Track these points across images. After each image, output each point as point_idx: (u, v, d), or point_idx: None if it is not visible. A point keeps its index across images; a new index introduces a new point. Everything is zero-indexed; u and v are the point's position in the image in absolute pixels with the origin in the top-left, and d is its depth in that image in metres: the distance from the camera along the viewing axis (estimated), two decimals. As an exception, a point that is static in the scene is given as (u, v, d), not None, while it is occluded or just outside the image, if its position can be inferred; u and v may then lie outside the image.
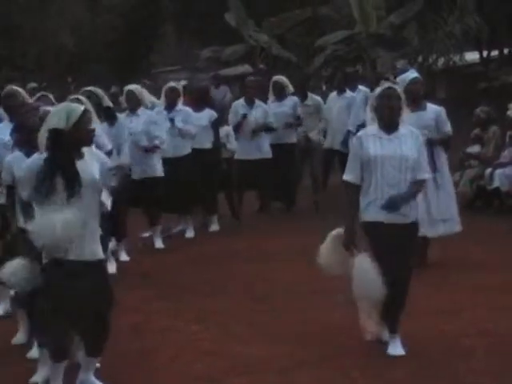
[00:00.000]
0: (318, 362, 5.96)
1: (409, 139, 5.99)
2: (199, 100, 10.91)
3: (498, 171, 11.27)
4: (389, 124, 5.99)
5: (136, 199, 9.53)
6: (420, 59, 18.75)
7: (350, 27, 19.73)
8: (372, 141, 5.98)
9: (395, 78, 9.10)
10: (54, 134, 5.05)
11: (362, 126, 12.94)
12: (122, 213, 8.75)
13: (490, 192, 11.48)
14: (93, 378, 5.40)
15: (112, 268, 8.34)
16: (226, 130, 11.26)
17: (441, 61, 18.58)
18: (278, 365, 5.92)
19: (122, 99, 10.70)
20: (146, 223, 10.41)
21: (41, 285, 5.10)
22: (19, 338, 6.49)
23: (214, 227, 10.99)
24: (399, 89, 6.13)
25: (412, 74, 8.60)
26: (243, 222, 11.41)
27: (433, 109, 8.45)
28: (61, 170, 5.01)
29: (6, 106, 7.16)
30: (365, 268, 5.81)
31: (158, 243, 10.08)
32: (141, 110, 9.88)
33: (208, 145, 10.78)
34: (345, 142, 12.17)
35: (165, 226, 10.60)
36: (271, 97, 12.09)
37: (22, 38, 21.53)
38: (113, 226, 7.52)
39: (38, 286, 5.13)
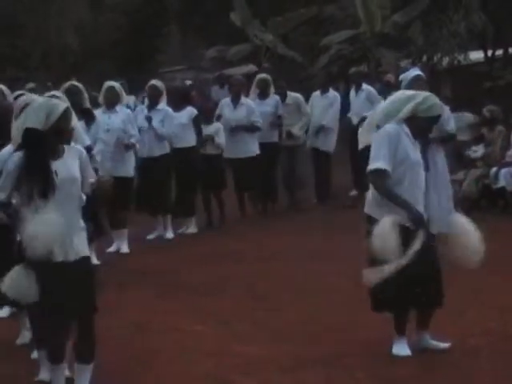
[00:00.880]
0: (322, 361, 5.95)
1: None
2: (179, 99, 10.84)
3: (504, 170, 11.26)
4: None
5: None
6: (424, 58, 18.73)
7: (354, 27, 19.72)
8: (407, 140, 5.86)
9: (398, 77, 9.08)
10: (31, 133, 4.88)
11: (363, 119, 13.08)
12: (99, 211, 8.69)
13: (495, 191, 11.47)
14: None
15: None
16: (216, 125, 11.24)
17: (445, 60, 18.55)
18: (282, 364, 5.91)
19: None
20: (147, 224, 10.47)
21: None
22: (23, 337, 6.48)
23: (192, 229, 10.88)
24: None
25: (414, 71, 8.58)
26: (245, 221, 11.43)
27: None
28: (35, 172, 4.87)
29: None
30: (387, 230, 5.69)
31: (124, 248, 9.94)
32: (119, 107, 9.86)
33: (191, 143, 10.74)
34: (316, 136, 12.48)
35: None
36: (253, 95, 12.06)
37: (26, 37, 21.55)
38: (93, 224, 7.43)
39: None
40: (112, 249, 9.94)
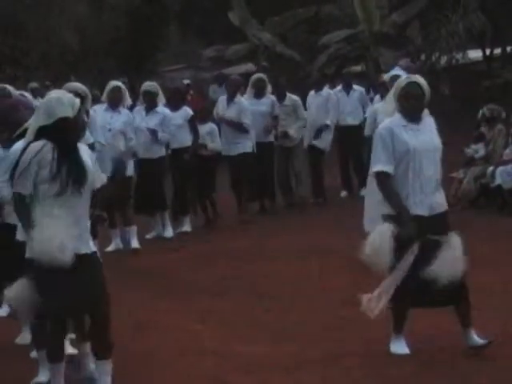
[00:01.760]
0: (322, 360, 5.97)
1: (433, 129, 5.95)
2: (173, 100, 10.80)
3: (500, 169, 11.27)
4: (414, 113, 5.91)
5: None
6: (423, 57, 18.75)
7: (353, 26, 19.75)
8: (404, 131, 5.85)
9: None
10: (64, 123, 4.95)
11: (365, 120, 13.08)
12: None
13: (492, 190, 11.49)
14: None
15: None
16: (209, 126, 11.19)
17: (444, 59, 18.57)
18: (282, 364, 5.94)
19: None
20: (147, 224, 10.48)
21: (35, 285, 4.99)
22: (23, 337, 6.48)
23: (186, 228, 10.85)
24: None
25: (394, 71, 8.64)
26: (248, 220, 11.43)
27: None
28: (67, 161, 4.93)
29: None
30: (383, 237, 5.74)
31: (134, 243, 9.95)
32: (122, 108, 9.86)
33: (186, 143, 10.71)
34: (318, 135, 12.47)
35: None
36: (249, 94, 12.01)
37: (26, 36, 21.53)
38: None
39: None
40: (110, 248, 9.95)
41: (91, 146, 7.63)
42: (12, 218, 5.58)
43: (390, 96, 6.08)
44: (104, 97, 9.97)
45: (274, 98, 12.00)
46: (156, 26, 25.30)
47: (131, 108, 10.70)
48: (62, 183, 4.90)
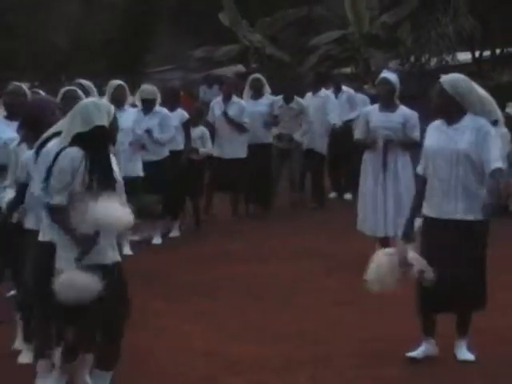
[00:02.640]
0: (314, 361, 5.98)
1: (468, 131, 5.72)
2: (169, 100, 10.70)
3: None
4: (441, 117, 5.86)
5: None
6: (413, 59, 18.78)
7: (343, 27, 19.75)
8: (432, 132, 5.88)
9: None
10: (100, 131, 4.87)
11: (350, 121, 13.12)
12: None
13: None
14: None
15: None
16: (201, 130, 11.10)
17: (433, 61, 18.60)
18: (274, 364, 5.94)
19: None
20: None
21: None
22: (20, 343, 6.31)
23: (174, 232, 10.74)
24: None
25: (382, 73, 8.65)
26: (237, 222, 11.42)
27: (403, 112, 8.46)
28: (99, 170, 4.85)
29: (8, 103, 6.93)
30: (382, 262, 5.75)
31: (157, 239, 10.06)
32: (127, 106, 9.80)
33: (180, 146, 10.60)
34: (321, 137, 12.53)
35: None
36: (247, 95, 11.97)
37: (15, 36, 21.45)
38: None
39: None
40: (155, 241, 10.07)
41: None
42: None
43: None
44: (107, 96, 9.74)
45: (272, 97, 11.96)
46: (146, 26, 25.27)
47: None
48: (93, 192, 4.79)
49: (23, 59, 21.40)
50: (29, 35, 21.62)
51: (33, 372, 5.50)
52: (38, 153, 5.37)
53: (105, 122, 4.88)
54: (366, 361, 5.97)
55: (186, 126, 10.71)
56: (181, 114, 10.69)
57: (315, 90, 12.84)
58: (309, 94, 12.94)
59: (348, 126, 13.04)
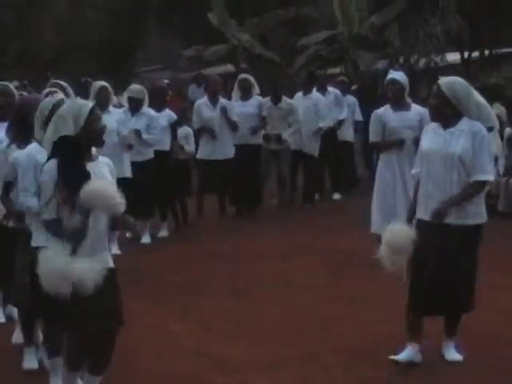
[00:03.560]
0: (302, 360, 5.99)
1: (464, 136, 5.68)
2: (157, 99, 10.63)
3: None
4: (436, 119, 5.86)
5: None
6: (401, 60, 18.80)
7: (332, 28, 19.76)
8: (429, 135, 5.87)
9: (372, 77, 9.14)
10: (65, 141, 4.76)
11: (339, 123, 13.08)
12: None
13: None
14: None
15: None
16: (185, 130, 11.06)
17: (422, 61, 18.63)
18: (262, 363, 5.95)
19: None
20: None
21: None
22: (17, 336, 6.34)
23: (164, 233, 10.73)
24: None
25: (390, 74, 8.64)
26: (226, 222, 11.42)
27: (417, 109, 8.46)
28: (74, 178, 4.72)
29: None
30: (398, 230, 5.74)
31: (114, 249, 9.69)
32: (111, 108, 9.66)
33: (166, 147, 10.53)
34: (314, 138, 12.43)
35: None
36: (235, 96, 11.88)
37: (4, 34, 21.40)
38: None
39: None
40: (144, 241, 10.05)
41: None
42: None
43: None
44: (91, 98, 9.64)
45: (261, 98, 11.87)
46: (135, 26, 25.26)
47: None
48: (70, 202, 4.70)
49: (11, 57, 21.33)
50: (18, 34, 21.57)
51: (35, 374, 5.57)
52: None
53: (68, 131, 4.76)
54: (354, 359, 5.98)
55: (174, 127, 10.68)
56: (169, 114, 10.64)
57: (306, 90, 12.73)
58: (299, 94, 12.86)
59: (333, 127, 13.04)
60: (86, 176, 4.74)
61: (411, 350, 5.84)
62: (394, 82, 8.35)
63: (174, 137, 10.70)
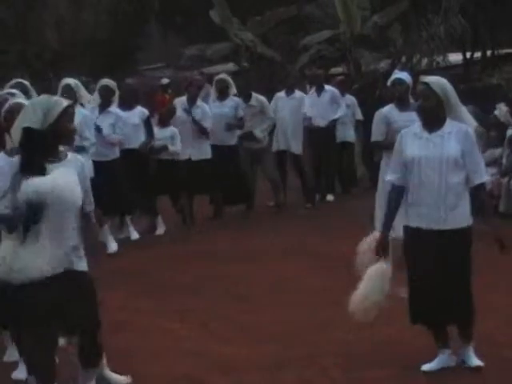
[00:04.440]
0: (300, 361, 5.98)
1: (453, 137, 5.54)
2: (128, 99, 10.57)
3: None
4: (427, 122, 5.67)
5: None
6: (403, 60, 18.79)
7: (334, 27, 19.73)
8: (410, 140, 5.69)
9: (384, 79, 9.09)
10: (27, 133, 4.53)
11: (333, 122, 13.03)
12: None
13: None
14: None
15: None
16: (171, 130, 10.95)
17: (424, 61, 18.62)
18: (260, 364, 5.93)
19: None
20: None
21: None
22: (10, 355, 6.16)
23: (161, 230, 10.68)
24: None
25: (395, 74, 8.61)
26: (226, 221, 11.40)
27: None
28: (25, 173, 4.51)
29: None
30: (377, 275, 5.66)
31: (113, 246, 9.81)
32: (76, 107, 9.48)
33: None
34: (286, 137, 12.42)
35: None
36: (213, 95, 11.77)
37: (5, 34, 21.41)
38: None
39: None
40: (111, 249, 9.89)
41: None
42: None
43: None
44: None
45: (238, 99, 11.67)
46: (137, 24, 25.25)
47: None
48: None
49: (12, 57, 21.34)
50: (19, 33, 21.57)
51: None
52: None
53: (34, 124, 4.53)
54: (352, 361, 5.97)
55: (148, 123, 10.57)
56: (140, 111, 10.56)
57: (289, 91, 12.68)
58: (281, 95, 12.75)
59: (330, 126, 12.98)
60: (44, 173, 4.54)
61: (442, 356, 5.78)
62: (401, 81, 8.34)
63: (150, 133, 10.58)
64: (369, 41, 19.19)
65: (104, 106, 10.18)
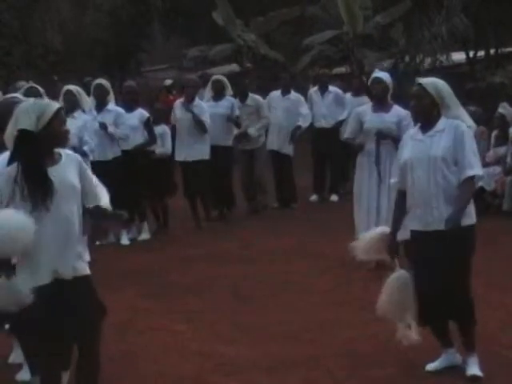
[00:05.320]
0: (304, 362, 5.98)
1: (444, 135, 5.52)
2: (129, 100, 10.56)
3: (483, 171, 11.27)
4: (419, 122, 5.66)
5: None
6: (407, 59, 18.79)
7: (337, 27, 19.74)
8: (407, 143, 5.69)
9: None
10: (23, 135, 4.44)
11: (339, 123, 13.00)
12: None
13: (475, 192, 11.46)
14: None
15: None
16: (162, 128, 10.93)
17: (427, 61, 18.61)
18: (265, 365, 5.94)
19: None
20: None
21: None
22: (16, 356, 6.14)
23: (145, 236, 10.63)
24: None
25: (374, 73, 8.62)
26: (231, 222, 11.41)
27: (397, 111, 8.42)
28: (28, 178, 4.41)
29: None
30: (399, 286, 5.59)
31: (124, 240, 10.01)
32: (78, 113, 9.37)
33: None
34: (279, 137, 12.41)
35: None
36: (207, 96, 11.73)
37: (9, 35, 21.42)
38: None
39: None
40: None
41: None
42: None
43: None
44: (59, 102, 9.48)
45: (233, 100, 11.66)
46: (139, 25, 25.27)
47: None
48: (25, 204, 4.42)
49: (16, 58, 21.36)
50: (23, 34, 21.60)
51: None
52: None
53: (29, 127, 4.42)
54: (356, 361, 5.97)
55: (148, 124, 10.54)
56: (140, 113, 10.52)
57: (285, 91, 12.64)
58: (276, 94, 12.71)
59: (335, 127, 12.97)
60: (48, 185, 4.46)
61: (446, 356, 5.78)
62: (379, 81, 8.35)
63: (151, 135, 10.55)
64: (371, 41, 19.21)
65: (100, 106, 10.16)
